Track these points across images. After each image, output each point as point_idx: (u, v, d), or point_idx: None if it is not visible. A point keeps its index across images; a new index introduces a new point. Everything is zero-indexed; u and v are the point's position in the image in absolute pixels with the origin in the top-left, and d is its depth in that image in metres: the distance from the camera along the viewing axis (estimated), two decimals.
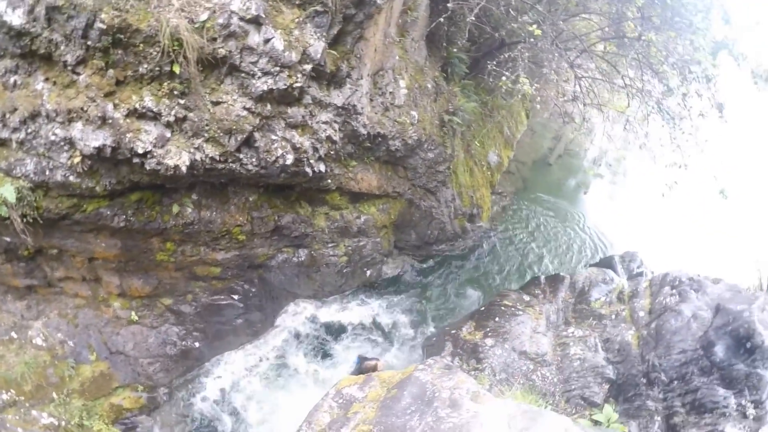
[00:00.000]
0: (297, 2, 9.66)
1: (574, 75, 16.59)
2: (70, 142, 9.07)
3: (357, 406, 8.27)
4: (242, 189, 11.83)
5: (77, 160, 9.17)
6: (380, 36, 12.09)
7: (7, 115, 8.95)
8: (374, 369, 11.92)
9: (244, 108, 9.67)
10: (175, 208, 11.07)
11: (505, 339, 12.31)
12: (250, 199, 12.04)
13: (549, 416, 7.36)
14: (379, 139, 12.93)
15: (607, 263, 14.80)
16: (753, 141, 27.84)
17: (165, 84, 9.00)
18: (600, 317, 12.42)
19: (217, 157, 9.84)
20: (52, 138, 9.00)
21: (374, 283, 16.17)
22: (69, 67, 8.72)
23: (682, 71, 14.52)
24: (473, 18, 13.73)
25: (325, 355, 14.38)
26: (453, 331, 13.25)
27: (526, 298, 13.73)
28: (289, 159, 10.58)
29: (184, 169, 9.49)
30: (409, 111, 13.54)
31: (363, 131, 12.27)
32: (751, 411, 9.02)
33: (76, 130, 8.93)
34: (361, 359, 13.01)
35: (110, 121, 8.87)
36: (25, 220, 9.55)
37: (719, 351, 9.87)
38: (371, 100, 12.55)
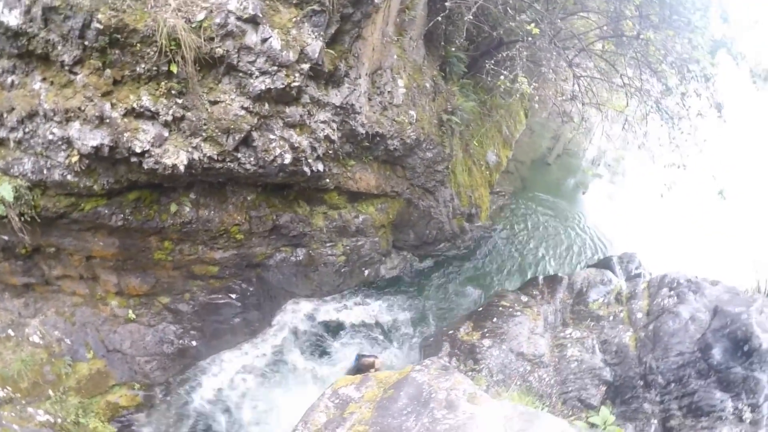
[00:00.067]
0: (294, 1, 9.64)
1: (573, 74, 16.59)
2: (68, 142, 9.06)
3: (353, 406, 8.26)
4: (240, 188, 11.81)
5: (75, 159, 9.16)
6: (378, 35, 12.07)
7: (5, 115, 8.95)
8: (372, 366, 11.92)
9: (242, 107, 9.66)
10: (173, 207, 11.05)
11: (503, 340, 12.31)
12: (249, 198, 12.03)
13: (545, 418, 7.36)
14: (378, 138, 12.92)
15: (605, 264, 14.78)
16: (752, 141, 27.86)
17: (162, 83, 8.99)
18: (598, 318, 12.41)
19: (215, 157, 9.83)
20: (50, 137, 8.99)
21: (373, 282, 16.16)
22: (66, 67, 8.71)
23: (680, 70, 14.53)
24: (471, 17, 13.72)
25: (324, 353, 14.36)
26: (450, 332, 13.24)
27: (524, 298, 13.73)
28: (288, 158, 10.57)
29: (182, 168, 9.49)
30: (408, 110, 13.53)
31: (361, 130, 12.26)
32: (747, 415, 9.03)
33: (74, 129, 8.92)
34: (360, 357, 13.02)
35: (108, 120, 8.86)
36: (22, 218, 9.54)
37: (717, 354, 9.87)
38: (369, 99, 12.54)
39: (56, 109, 8.77)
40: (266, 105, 9.94)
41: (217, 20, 8.87)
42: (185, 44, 8.58)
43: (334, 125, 11.48)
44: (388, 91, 13.03)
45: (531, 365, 11.70)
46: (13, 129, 8.96)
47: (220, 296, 13.01)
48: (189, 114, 9.32)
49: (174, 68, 8.80)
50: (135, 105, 8.93)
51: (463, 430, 7.05)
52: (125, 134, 8.99)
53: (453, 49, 16.26)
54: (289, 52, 9.52)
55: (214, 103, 9.50)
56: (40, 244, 10.69)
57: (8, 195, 8.96)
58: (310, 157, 11.15)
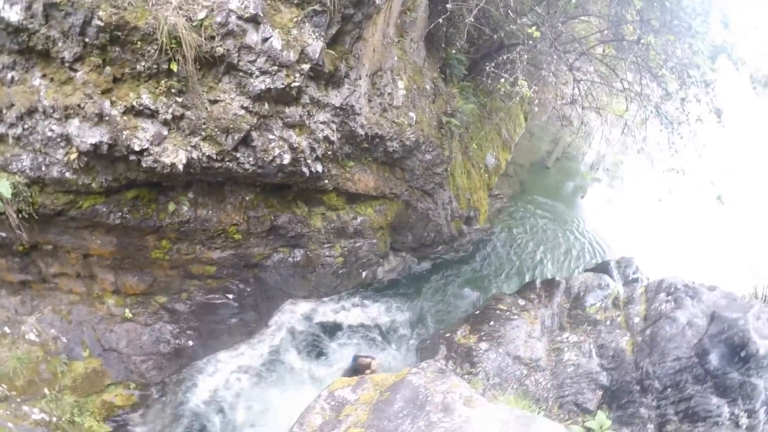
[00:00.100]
0: (295, 1, 9.65)
1: (573, 78, 16.58)
2: (67, 139, 9.04)
3: (349, 408, 8.25)
4: (239, 188, 11.79)
5: (74, 156, 9.14)
6: (379, 36, 12.07)
7: (4, 111, 8.92)
8: (368, 367, 11.90)
9: (242, 107, 9.65)
10: (171, 206, 11.03)
11: (500, 343, 12.31)
12: (247, 198, 12.01)
13: (542, 422, 7.35)
14: (377, 139, 12.91)
15: (602, 268, 14.78)
16: (751, 146, 27.88)
17: (162, 82, 8.98)
18: (595, 323, 12.41)
19: (214, 156, 9.82)
20: (49, 134, 8.97)
21: (371, 284, 16.16)
22: (66, 64, 8.69)
23: (680, 75, 14.52)
24: (472, 19, 13.70)
25: (321, 354, 14.35)
26: (447, 335, 13.24)
27: (522, 302, 13.72)
28: (287, 159, 10.56)
29: (180, 167, 9.47)
30: (407, 112, 13.53)
31: (361, 132, 12.26)
32: (744, 420, 9.03)
33: (73, 126, 8.90)
34: (356, 358, 13.01)
35: (107, 118, 8.85)
36: (20, 215, 9.53)
37: (713, 359, 9.87)
38: (369, 100, 12.53)
39: (56, 105, 8.75)
40: (266, 105, 9.93)
41: (218, 19, 8.86)
42: (186, 43, 8.58)
43: (334, 126, 11.47)
44: (388, 93, 13.03)
45: (528, 369, 11.69)
46: (12, 125, 8.94)
47: (217, 296, 12.99)
48: (188, 113, 9.31)
49: (174, 67, 8.79)
50: (134, 103, 8.92)
51: None
52: (124, 132, 8.97)
53: (453, 51, 16.26)
54: (289, 52, 9.52)
55: (214, 102, 9.49)
56: (38, 242, 10.66)
57: (6, 191, 8.94)
58: (309, 158, 11.14)
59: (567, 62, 16.12)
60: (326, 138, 11.31)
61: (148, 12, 8.46)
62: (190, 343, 12.90)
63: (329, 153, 11.84)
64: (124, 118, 8.98)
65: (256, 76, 9.51)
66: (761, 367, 9.33)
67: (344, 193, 13.61)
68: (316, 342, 14.48)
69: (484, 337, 12.54)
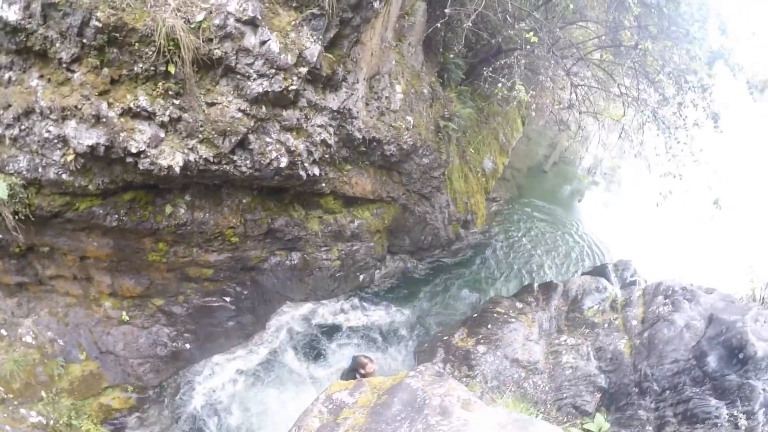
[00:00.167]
0: (294, 5, 9.64)
1: (570, 83, 16.64)
2: (64, 140, 9.00)
3: (347, 411, 8.21)
4: (236, 191, 11.78)
5: (70, 158, 9.11)
6: (377, 40, 12.08)
7: (1, 112, 8.87)
8: (364, 367, 11.86)
9: (239, 110, 9.62)
10: (168, 209, 11.01)
11: (498, 346, 12.30)
12: (244, 201, 12.00)
13: (540, 425, 7.32)
14: (374, 143, 12.91)
15: (600, 271, 14.81)
16: (748, 151, 27.96)
17: (160, 84, 8.95)
18: (593, 326, 12.41)
19: (211, 159, 9.79)
20: (46, 135, 8.94)
21: (368, 287, 16.16)
22: (64, 65, 8.66)
23: (678, 81, 14.56)
24: (470, 24, 13.74)
25: (319, 355, 14.37)
26: (445, 338, 13.23)
27: (519, 305, 13.73)
28: (284, 162, 10.55)
29: (177, 169, 9.44)
30: (405, 116, 13.53)
31: (358, 135, 12.26)
32: (743, 422, 9.01)
33: (70, 128, 8.87)
34: (356, 358, 12.99)
35: (104, 119, 8.82)
36: (17, 217, 9.48)
37: (712, 361, 9.88)
38: (367, 104, 12.54)
39: (53, 107, 8.72)
40: (263, 108, 9.91)
41: (217, 21, 8.85)
42: (184, 45, 8.55)
43: (331, 129, 11.47)
44: (386, 97, 13.03)
45: (526, 372, 11.68)
46: (9, 126, 8.90)
47: (214, 299, 12.97)
48: (186, 115, 9.28)
49: (172, 69, 8.76)
50: (132, 105, 8.88)
51: None
52: (121, 134, 8.95)
53: (451, 55, 16.31)
54: (287, 55, 9.51)
55: (211, 104, 9.46)
56: (34, 243, 10.63)
57: (3, 193, 8.90)
58: (306, 161, 11.13)
59: (564, 67, 16.17)
60: (323, 141, 11.30)
61: (147, 14, 8.45)
62: (187, 346, 12.87)
63: (326, 156, 11.83)
64: (121, 119, 8.95)
65: (254, 79, 9.49)
66: (759, 369, 9.34)
67: (341, 197, 13.61)
68: (314, 344, 14.50)
69: (481, 340, 12.54)
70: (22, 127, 8.93)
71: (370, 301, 15.92)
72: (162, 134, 9.29)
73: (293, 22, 9.60)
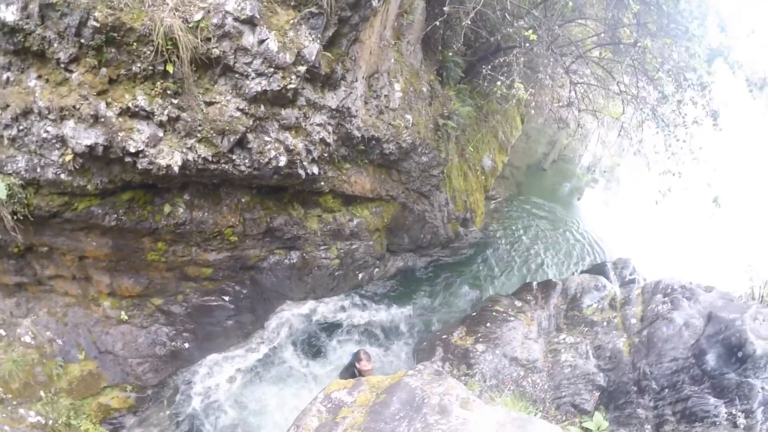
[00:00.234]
0: (292, 3, 9.63)
1: (570, 80, 16.63)
2: (62, 140, 9.00)
3: (346, 410, 8.21)
4: (235, 190, 11.77)
5: (69, 158, 9.10)
6: (376, 38, 12.07)
7: (0, 112, 8.89)
8: (359, 362, 11.85)
9: (238, 109, 9.61)
10: (167, 208, 11.00)
11: (496, 345, 12.30)
12: (243, 200, 11.99)
13: (538, 424, 7.32)
14: (373, 142, 12.90)
15: (599, 270, 14.82)
16: (747, 149, 27.94)
17: (158, 83, 8.94)
18: (592, 324, 12.41)
19: (210, 158, 9.78)
20: (44, 135, 8.93)
21: (368, 285, 16.17)
22: (62, 65, 8.65)
23: (677, 78, 14.53)
24: (469, 22, 13.71)
25: (318, 353, 14.38)
26: (444, 336, 13.23)
27: (518, 303, 13.73)
28: (282, 161, 10.54)
29: (176, 169, 9.43)
30: (404, 114, 13.52)
31: (357, 134, 12.25)
32: (741, 420, 9.01)
33: (68, 128, 8.86)
34: (356, 354, 12.99)
35: (102, 119, 8.81)
36: (15, 217, 9.47)
37: (710, 360, 9.88)
38: (366, 102, 12.52)
39: (51, 107, 8.71)
40: (262, 107, 9.90)
41: (215, 21, 8.84)
42: (182, 44, 8.54)
43: (330, 128, 11.45)
44: (385, 95, 13.02)
45: (524, 370, 11.68)
46: (7, 126, 8.89)
47: (213, 298, 12.97)
48: (184, 114, 9.27)
49: (170, 68, 8.76)
50: (130, 104, 8.87)
51: None
52: (120, 134, 8.94)
53: (450, 53, 16.28)
54: (285, 54, 9.49)
55: (210, 104, 9.46)
56: (33, 243, 10.62)
57: (1, 193, 8.87)
58: (305, 160, 11.12)
59: (564, 65, 16.16)
60: (322, 140, 11.29)
61: (144, 13, 8.44)
62: (186, 345, 12.87)
63: (325, 155, 11.82)
64: (120, 119, 8.94)
65: (252, 78, 9.48)
66: (758, 367, 9.34)
67: (340, 195, 13.60)
68: (314, 341, 14.52)
69: (480, 339, 12.54)
70: (21, 128, 8.92)
71: (370, 299, 15.94)
72: (160, 134, 9.28)
73: (291, 21, 9.59)
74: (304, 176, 11.29)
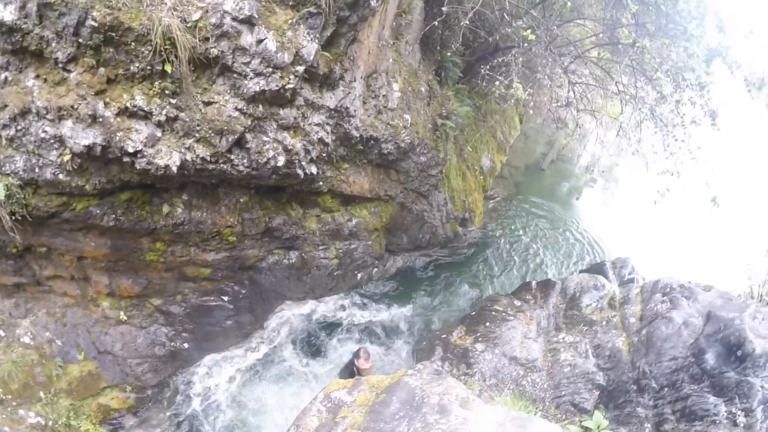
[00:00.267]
0: (290, 3, 9.62)
1: (568, 80, 16.61)
2: (60, 140, 8.99)
3: (345, 410, 8.21)
4: (233, 190, 11.76)
5: (67, 158, 9.09)
6: (374, 38, 12.06)
7: None
8: (358, 359, 11.86)
9: (236, 109, 9.60)
10: (166, 208, 10.98)
11: (496, 344, 12.31)
12: (241, 200, 11.98)
13: (538, 423, 7.32)
14: (372, 142, 12.90)
15: (598, 269, 14.82)
16: (745, 149, 27.97)
17: (156, 83, 8.93)
18: (591, 323, 12.42)
19: (208, 158, 9.77)
20: (42, 135, 8.92)
21: (367, 285, 16.18)
22: (60, 65, 8.64)
23: (675, 78, 14.53)
24: (467, 22, 13.69)
25: (317, 353, 14.42)
26: (443, 336, 13.23)
27: (517, 303, 13.73)
28: (281, 161, 10.53)
29: (174, 169, 9.42)
30: (402, 114, 13.52)
31: (355, 134, 12.24)
32: (741, 419, 9.03)
33: (66, 127, 8.85)
34: (356, 351, 13.00)
35: (101, 119, 8.80)
36: (13, 217, 9.46)
37: (710, 358, 9.89)
38: (364, 102, 12.52)
39: (49, 107, 8.70)
40: (260, 107, 9.89)
41: (213, 20, 8.83)
42: (180, 44, 8.53)
43: (329, 128, 11.45)
44: (383, 95, 13.02)
45: (524, 369, 11.69)
46: (5, 126, 8.88)
47: (212, 298, 12.96)
48: (182, 114, 9.26)
49: (168, 68, 8.74)
50: (128, 104, 8.86)
51: None
52: (118, 134, 8.93)
53: (449, 53, 16.27)
54: (284, 54, 9.49)
55: (208, 103, 9.45)
56: (31, 244, 10.62)
57: None
58: (304, 160, 11.11)
59: (562, 65, 16.15)
60: (321, 140, 11.28)
61: (143, 13, 8.43)
62: (186, 345, 12.87)
63: (324, 155, 11.81)
64: (118, 119, 8.93)
65: (251, 78, 9.47)
66: (757, 366, 9.35)
67: (339, 195, 13.60)
68: (314, 341, 14.55)
69: (480, 338, 12.54)
70: (19, 128, 8.91)
71: (370, 298, 15.97)
72: (159, 134, 9.27)
73: (290, 21, 9.58)
74: (302, 176, 11.28)
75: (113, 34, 8.39)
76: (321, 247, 14.12)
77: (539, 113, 21.16)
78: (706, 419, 9.31)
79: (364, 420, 7.65)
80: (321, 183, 12.49)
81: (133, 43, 8.53)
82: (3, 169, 9.17)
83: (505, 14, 15.28)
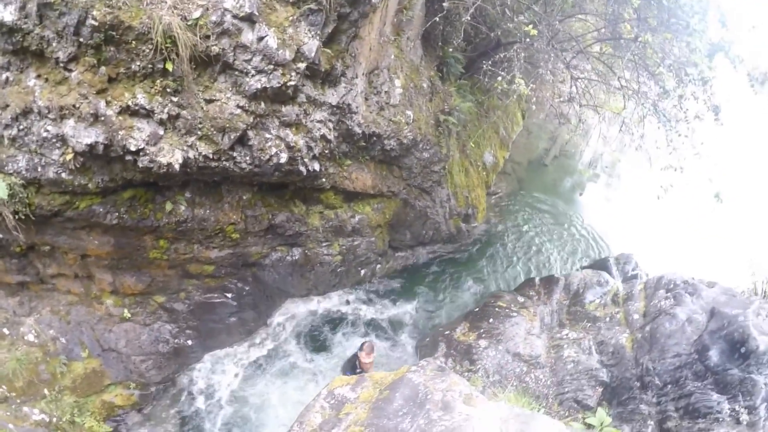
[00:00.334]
0: (291, 0, 9.59)
1: (570, 76, 16.58)
2: (63, 139, 8.99)
3: (349, 406, 8.22)
4: (236, 187, 11.76)
5: (69, 157, 9.10)
6: (375, 35, 12.04)
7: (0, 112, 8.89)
8: (361, 351, 11.87)
9: (238, 106, 9.60)
10: (168, 206, 10.99)
11: (499, 340, 12.30)
12: (244, 197, 11.98)
13: (542, 420, 7.33)
14: (374, 138, 12.88)
15: (601, 265, 14.80)
16: (749, 144, 27.87)
17: (158, 81, 8.93)
18: (594, 319, 12.40)
19: (211, 156, 9.78)
20: (44, 135, 8.93)
21: (371, 281, 16.20)
22: (61, 64, 8.64)
23: (678, 73, 14.49)
24: (469, 17, 13.69)
25: (322, 347, 14.45)
26: (447, 332, 13.24)
27: (521, 299, 13.72)
28: (283, 158, 10.52)
29: (177, 166, 9.43)
30: (405, 110, 13.50)
31: (358, 130, 12.23)
32: (744, 416, 9.02)
33: (68, 127, 8.86)
34: (360, 346, 13.02)
35: (102, 118, 8.81)
36: (17, 216, 9.49)
37: (713, 355, 9.87)
38: (366, 99, 12.50)
39: (51, 106, 8.71)
40: (262, 104, 9.89)
41: (213, 18, 8.82)
42: (181, 42, 8.53)
43: (331, 125, 11.44)
44: (385, 91, 13.00)
45: (527, 366, 11.68)
46: (7, 126, 8.89)
47: (215, 295, 12.98)
48: (184, 112, 9.26)
49: (169, 66, 8.75)
50: (130, 103, 8.87)
51: None
52: (120, 132, 8.93)
53: (450, 49, 16.24)
54: (285, 51, 9.47)
55: (210, 101, 9.44)
56: (35, 243, 10.63)
57: (2, 192, 8.90)
58: (306, 157, 11.11)
59: (564, 60, 16.12)
60: (323, 137, 11.27)
61: (143, 11, 8.42)
62: (189, 342, 12.90)
63: (326, 152, 11.81)
64: (120, 118, 8.94)
65: (252, 75, 9.46)
66: (761, 363, 9.34)
67: (342, 192, 13.60)
68: (318, 336, 14.59)
69: (483, 335, 12.54)
70: (21, 127, 8.92)
71: (375, 293, 16.03)
72: (161, 132, 9.28)
73: (291, 18, 9.56)
74: (305, 173, 11.28)
75: (114, 33, 8.39)
76: (324, 244, 14.12)
77: (542, 109, 21.05)
78: (710, 416, 9.30)
79: (368, 416, 7.66)
80: (324, 180, 12.48)
81: (133, 42, 8.53)
82: (6, 168, 9.18)
83: (506, 9, 15.26)
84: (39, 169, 9.22)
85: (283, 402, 13.00)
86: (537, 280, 14.81)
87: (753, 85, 15.19)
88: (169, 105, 9.08)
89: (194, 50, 8.78)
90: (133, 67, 8.74)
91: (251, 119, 9.83)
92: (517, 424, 7.09)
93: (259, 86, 9.51)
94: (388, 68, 13.14)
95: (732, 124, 15.96)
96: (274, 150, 10.36)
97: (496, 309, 13.36)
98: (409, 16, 13.68)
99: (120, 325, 12.12)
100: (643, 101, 15.39)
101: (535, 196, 22.18)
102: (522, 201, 21.70)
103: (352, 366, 11.97)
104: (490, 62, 15.20)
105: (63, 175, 9.32)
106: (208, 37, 8.89)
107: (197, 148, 9.61)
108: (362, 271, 15.69)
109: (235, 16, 8.94)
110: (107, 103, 8.80)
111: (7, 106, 8.80)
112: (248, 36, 9.15)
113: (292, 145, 10.61)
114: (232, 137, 9.76)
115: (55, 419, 11.04)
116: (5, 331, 11.16)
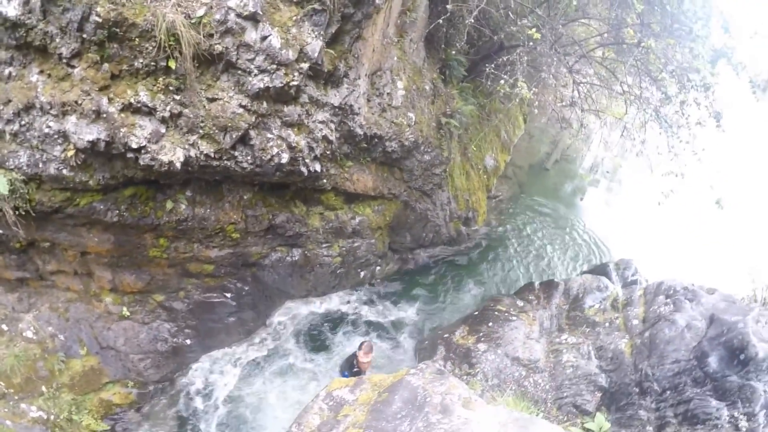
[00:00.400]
0: (295, 0, 9.59)
1: (573, 80, 16.57)
2: (64, 136, 8.99)
3: (347, 408, 8.20)
4: (237, 187, 11.75)
5: (71, 153, 9.09)
6: (378, 36, 12.03)
7: (1, 107, 8.86)
8: (360, 350, 11.86)
9: (240, 105, 9.59)
10: (169, 205, 10.98)
11: (498, 344, 12.29)
12: (245, 197, 11.97)
13: (540, 424, 7.31)
14: (376, 139, 12.88)
15: (601, 270, 14.77)
16: (750, 151, 27.88)
17: (160, 79, 8.92)
18: (594, 324, 12.39)
19: (212, 154, 9.76)
20: (46, 131, 8.92)
21: (371, 283, 16.19)
22: (64, 60, 8.63)
23: (680, 79, 14.48)
24: (472, 20, 13.67)
25: (321, 348, 14.42)
26: (446, 335, 13.22)
27: (520, 303, 13.71)
28: (285, 158, 10.51)
29: (178, 165, 9.42)
30: (407, 112, 13.50)
31: (359, 131, 12.22)
32: (743, 423, 9.01)
33: (70, 123, 8.85)
34: (359, 346, 13.01)
35: (105, 115, 8.80)
36: (17, 212, 9.47)
37: (713, 362, 9.86)
38: (368, 100, 12.50)
39: (53, 102, 8.70)
40: (264, 104, 9.88)
41: (217, 16, 8.81)
42: (184, 40, 8.52)
43: (333, 126, 11.43)
44: (388, 93, 13.00)
45: (526, 370, 11.67)
46: (9, 121, 8.89)
47: (215, 295, 12.97)
48: (186, 111, 9.25)
49: (172, 64, 8.73)
50: (132, 100, 8.85)
51: None
52: (122, 129, 8.92)
53: (453, 52, 16.24)
54: (288, 51, 9.46)
55: (212, 100, 9.43)
56: (35, 239, 10.63)
57: (3, 188, 8.89)
58: (308, 157, 11.09)
59: (567, 64, 16.11)
60: (325, 137, 11.26)
61: (147, 9, 8.41)
62: (188, 341, 12.89)
63: (328, 152, 11.80)
64: (122, 115, 8.92)
65: (255, 75, 9.45)
66: (760, 370, 9.33)
67: (343, 193, 13.59)
68: (317, 337, 14.58)
69: (482, 338, 12.52)
70: (23, 123, 8.92)
71: (376, 294, 16.02)
72: (162, 130, 9.27)
73: (294, 18, 9.55)
74: (306, 173, 11.26)
75: (117, 30, 8.38)
76: (324, 245, 14.11)
77: (543, 113, 21.06)
78: (708, 423, 9.29)
79: (366, 419, 7.65)
80: (325, 180, 12.47)
81: (137, 39, 8.52)
82: (7, 164, 9.17)
83: (510, 13, 15.26)
84: (40, 165, 9.22)
85: (282, 401, 13.00)
86: (537, 284, 14.80)
87: (755, 91, 15.13)
88: (172, 103, 9.06)
89: (197, 48, 8.76)
90: (136, 64, 8.72)
91: (253, 119, 9.82)
92: (516, 428, 7.07)
93: (261, 86, 9.50)
94: (390, 70, 13.14)
95: (734, 130, 15.96)
96: (275, 150, 10.35)
97: (496, 313, 13.34)
98: (413, 18, 13.68)
99: (119, 323, 12.10)
100: (645, 107, 15.38)
101: (536, 200, 22.19)
102: (523, 205, 21.71)
103: (350, 365, 11.97)
104: (492, 65, 15.20)
105: (64, 171, 9.31)
106: (211, 35, 8.88)
107: (199, 147, 9.60)
108: (362, 273, 15.67)
109: (238, 15, 8.93)
110: (109, 100, 8.79)
111: (10, 101, 8.79)
112: (252, 35, 9.14)
113: (293, 145, 10.59)
114: (234, 136, 9.75)
115: (52, 416, 11.02)
116: (4, 327, 11.15)
